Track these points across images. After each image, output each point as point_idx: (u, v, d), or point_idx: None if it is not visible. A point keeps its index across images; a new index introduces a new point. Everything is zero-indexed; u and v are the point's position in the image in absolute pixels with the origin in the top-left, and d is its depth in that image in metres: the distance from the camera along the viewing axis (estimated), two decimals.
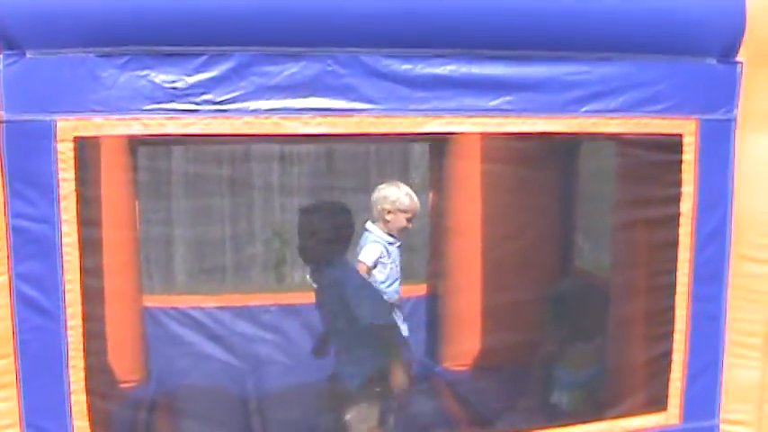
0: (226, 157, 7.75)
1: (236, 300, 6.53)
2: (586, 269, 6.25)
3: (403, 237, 5.55)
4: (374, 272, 5.44)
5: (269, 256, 8.88)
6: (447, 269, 6.23)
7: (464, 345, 6.00)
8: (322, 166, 8.35)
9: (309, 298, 5.90)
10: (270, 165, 8.28)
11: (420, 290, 6.52)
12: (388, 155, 8.72)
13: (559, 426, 4.14)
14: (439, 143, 6.11)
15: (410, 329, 5.67)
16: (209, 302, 6.43)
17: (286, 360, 6.02)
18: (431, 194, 6.42)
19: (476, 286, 6.00)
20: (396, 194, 5.49)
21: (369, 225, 5.53)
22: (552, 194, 5.91)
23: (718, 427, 4.15)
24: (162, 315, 6.23)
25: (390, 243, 5.50)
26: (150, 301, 6.21)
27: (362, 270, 5.38)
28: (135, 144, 5.53)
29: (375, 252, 5.46)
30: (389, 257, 5.51)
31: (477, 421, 5.21)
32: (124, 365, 5.29)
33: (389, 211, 5.46)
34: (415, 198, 5.53)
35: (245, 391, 5.53)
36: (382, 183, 5.61)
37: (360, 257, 5.45)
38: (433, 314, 6.30)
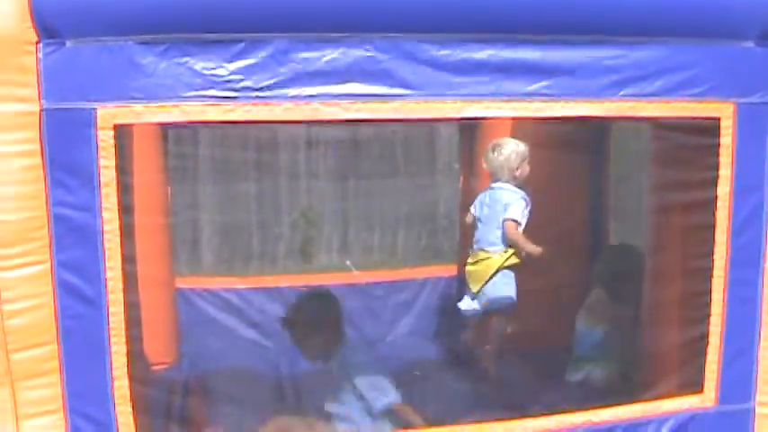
0: (252, 143, 7.73)
1: (267, 281, 6.55)
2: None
3: None
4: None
5: (295, 237, 8.93)
6: None
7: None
8: (347, 150, 8.35)
9: (338, 279, 5.98)
10: (296, 149, 8.28)
11: (451, 270, 6.52)
12: (415, 139, 8.72)
13: (595, 407, 4.15)
14: (469, 126, 6.11)
15: (441, 312, 5.69)
16: (241, 284, 6.45)
17: None
18: (461, 177, 6.43)
19: None
20: (515, 147, 5.52)
21: (499, 185, 5.54)
22: (584, 177, 5.90)
23: (753, 409, 4.15)
24: (194, 296, 6.26)
25: (524, 197, 5.52)
26: (182, 283, 6.23)
27: (513, 228, 5.42)
28: (166, 129, 5.54)
29: (521, 207, 5.47)
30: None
31: (509, 403, 5.21)
32: (157, 348, 5.30)
33: (518, 167, 5.49)
34: None
35: (277, 372, 5.53)
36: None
37: (509, 215, 5.44)
38: (461, 295, 6.29)
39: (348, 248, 8.91)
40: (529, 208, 5.48)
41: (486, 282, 5.44)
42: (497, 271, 5.43)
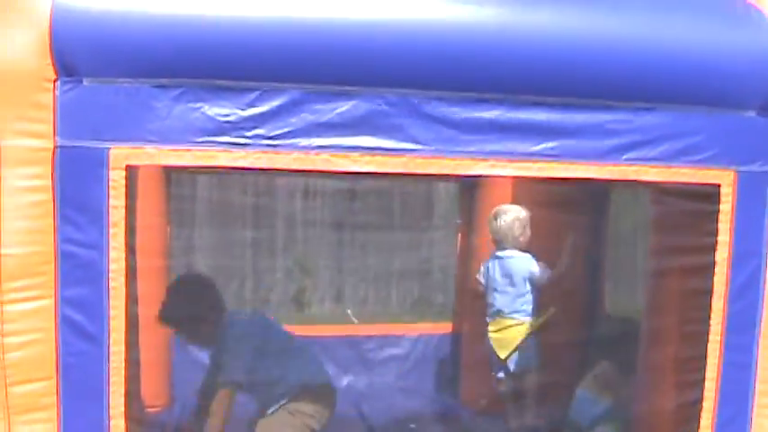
0: (250, 188, 7.77)
1: None
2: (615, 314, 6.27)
3: None
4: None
5: (289, 286, 8.93)
6: (475, 309, 6.24)
7: (487, 386, 6.01)
8: (344, 201, 8.40)
9: (330, 331, 5.99)
10: (293, 198, 8.32)
11: (446, 328, 6.56)
12: (412, 192, 8.77)
13: None
14: (470, 182, 6.17)
15: (436, 366, 5.73)
16: None
17: None
18: (459, 234, 6.47)
19: None
20: (517, 214, 5.64)
21: (507, 253, 5.67)
22: (582, 238, 5.95)
23: None
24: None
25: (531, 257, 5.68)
26: None
27: (544, 279, 5.61)
28: (168, 172, 5.59)
29: (535, 263, 5.66)
30: None
31: None
32: (150, 390, 5.31)
33: (521, 234, 5.62)
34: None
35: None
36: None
37: (536, 275, 5.62)
38: (456, 353, 6.31)
39: (342, 299, 8.93)
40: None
41: (516, 348, 5.54)
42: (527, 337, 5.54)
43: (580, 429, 5.32)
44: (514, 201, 5.86)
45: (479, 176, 3.83)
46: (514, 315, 5.59)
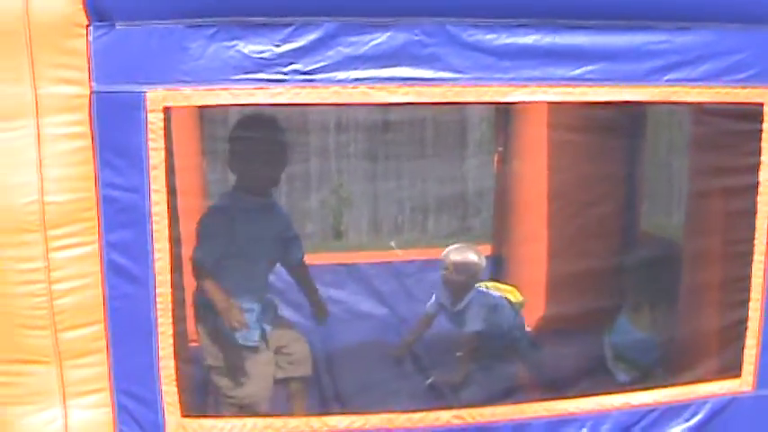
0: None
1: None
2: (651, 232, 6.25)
3: None
4: None
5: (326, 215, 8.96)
6: (512, 232, 6.24)
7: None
8: (379, 131, 8.36)
9: (368, 257, 5.99)
10: (327, 131, 8.29)
11: (484, 250, 6.55)
12: (445, 120, 8.73)
13: (633, 389, 4.19)
14: (505, 109, 6.12)
15: None
16: None
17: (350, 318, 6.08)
18: (495, 157, 6.44)
19: (542, 251, 6.01)
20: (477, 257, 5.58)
21: (486, 286, 5.67)
22: (618, 160, 5.91)
23: None
24: None
25: None
26: None
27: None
28: (202, 112, 5.56)
29: None
30: None
31: (540, 385, 5.24)
32: (190, 326, 5.34)
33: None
34: None
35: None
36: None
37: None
38: (496, 276, 6.30)
39: (378, 228, 8.95)
40: None
41: None
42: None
43: (620, 353, 5.33)
44: (550, 124, 5.82)
45: (520, 103, 3.77)
46: None
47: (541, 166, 5.90)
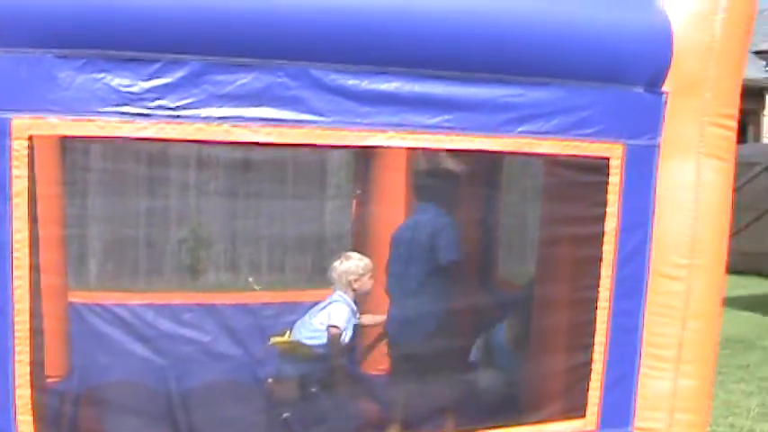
0: (144, 158, 7.71)
1: (158, 298, 6.57)
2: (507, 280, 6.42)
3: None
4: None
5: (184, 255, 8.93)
6: None
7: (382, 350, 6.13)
8: (239, 170, 8.40)
9: (226, 298, 6.04)
10: (187, 167, 8.28)
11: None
12: (305, 162, 8.81)
13: (482, 428, 4.30)
14: (365, 153, 6.24)
15: None
16: (133, 300, 6.46)
17: (206, 358, 6.11)
18: (354, 202, 6.55)
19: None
20: (357, 261, 5.75)
21: (336, 295, 5.76)
22: (477, 208, 6.07)
23: None
24: (86, 311, 6.25)
25: (354, 311, 5.76)
26: (74, 297, 6.22)
27: (335, 334, 5.61)
28: (63, 142, 5.55)
29: (345, 314, 5.70)
30: (352, 324, 5.75)
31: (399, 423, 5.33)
32: (49, 360, 5.30)
33: (356, 279, 5.73)
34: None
35: (167, 388, 5.58)
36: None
37: (332, 322, 5.65)
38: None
39: (236, 267, 8.98)
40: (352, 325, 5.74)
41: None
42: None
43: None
44: (408, 170, 5.97)
45: (377, 148, 3.87)
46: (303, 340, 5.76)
47: (398, 210, 6.04)
